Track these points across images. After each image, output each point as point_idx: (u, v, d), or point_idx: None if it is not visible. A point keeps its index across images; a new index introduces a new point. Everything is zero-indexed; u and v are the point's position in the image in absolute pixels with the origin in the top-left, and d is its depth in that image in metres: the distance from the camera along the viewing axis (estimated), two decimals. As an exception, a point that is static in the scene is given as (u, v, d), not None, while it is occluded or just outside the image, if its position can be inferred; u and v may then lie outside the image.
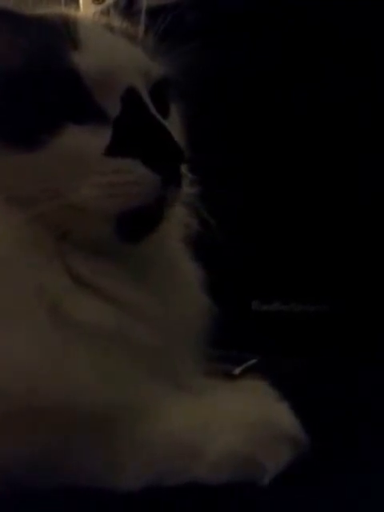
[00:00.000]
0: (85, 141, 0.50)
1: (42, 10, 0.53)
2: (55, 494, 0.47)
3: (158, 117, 0.51)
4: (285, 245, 0.82)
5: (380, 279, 0.80)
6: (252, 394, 0.53)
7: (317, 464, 0.50)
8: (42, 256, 0.50)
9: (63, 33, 0.50)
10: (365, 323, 0.80)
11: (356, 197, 0.81)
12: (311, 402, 0.57)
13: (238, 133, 0.82)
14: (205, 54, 0.62)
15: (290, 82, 0.82)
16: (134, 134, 0.50)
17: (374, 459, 0.51)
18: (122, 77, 0.51)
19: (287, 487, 0.47)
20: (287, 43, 0.82)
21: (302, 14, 0.82)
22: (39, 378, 0.46)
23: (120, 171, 0.50)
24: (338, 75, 0.82)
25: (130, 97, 0.51)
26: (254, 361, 0.74)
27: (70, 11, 0.54)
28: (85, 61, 0.50)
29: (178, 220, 0.58)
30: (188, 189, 0.55)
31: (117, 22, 0.55)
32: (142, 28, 0.54)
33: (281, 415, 0.50)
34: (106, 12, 0.55)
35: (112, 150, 0.50)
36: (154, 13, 0.55)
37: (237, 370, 0.71)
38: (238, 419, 0.50)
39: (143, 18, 0.54)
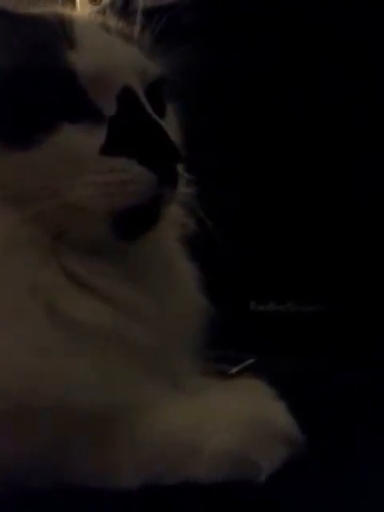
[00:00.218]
0: (80, 140, 0.50)
1: (37, 9, 0.53)
2: (53, 493, 0.47)
3: (154, 116, 0.51)
4: (282, 245, 0.82)
5: (376, 280, 0.80)
6: (248, 393, 0.53)
7: (313, 463, 0.50)
8: (37, 255, 0.50)
9: (59, 32, 0.50)
10: (361, 323, 0.80)
11: (353, 198, 0.81)
12: (308, 402, 0.57)
13: (234, 133, 0.82)
14: (202, 54, 0.62)
15: (287, 83, 0.82)
16: (130, 133, 0.50)
17: (371, 459, 0.51)
18: (117, 76, 0.51)
19: (283, 486, 0.47)
20: (284, 44, 0.82)
21: (299, 15, 0.82)
22: (35, 378, 0.46)
23: (115, 170, 0.50)
24: (335, 76, 0.82)
25: (126, 96, 0.51)
26: (250, 361, 0.74)
27: (65, 10, 0.54)
28: (81, 60, 0.50)
29: (175, 220, 0.58)
30: (184, 189, 0.55)
31: (113, 21, 0.55)
32: (138, 28, 0.54)
33: (276, 414, 0.50)
34: (102, 12, 0.55)
35: (107, 149, 0.50)
36: (150, 13, 0.55)
37: (234, 370, 0.71)
38: (234, 418, 0.50)
39: (139, 18, 0.54)
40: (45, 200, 0.49)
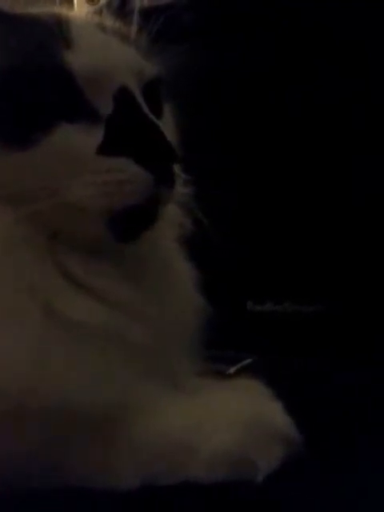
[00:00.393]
0: (77, 140, 0.50)
1: (34, 10, 0.53)
2: (52, 494, 0.47)
3: (151, 116, 0.51)
4: (279, 245, 0.82)
5: (374, 279, 0.80)
6: (246, 393, 0.53)
7: (312, 463, 0.50)
8: (34, 255, 0.50)
9: (55, 32, 0.50)
10: (359, 323, 0.80)
11: (350, 197, 0.81)
12: (306, 402, 0.57)
13: (232, 133, 0.83)
14: (199, 54, 0.62)
15: (284, 83, 0.83)
16: (127, 133, 0.50)
17: (371, 459, 0.52)
18: (114, 76, 0.51)
19: (282, 486, 0.47)
20: (281, 44, 0.83)
21: (296, 15, 0.82)
22: (33, 378, 0.46)
23: (113, 170, 0.50)
24: (332, 76, 0.82)
25: (123, 96, 0.51)
26: (248, 361, 0.74)
27: (62, 10, 0.54)
28: (77, 60, 0.50)
29: (172, 220, 0.58)
30: (182, 189, 0.55)
31: (109, 21, 0.55)
32: (134, 28, 0.54)
33: (274, 414, 0.51)
34: (98, 12, 0.55)
35: (104, 149, 0.50)
36: (147, 13, 0.55)
37: (231, 370, 0.71)
38: (232, 418, 0.50)
39: (136, 18, 0.54)
40: (42, 200, 0.49)
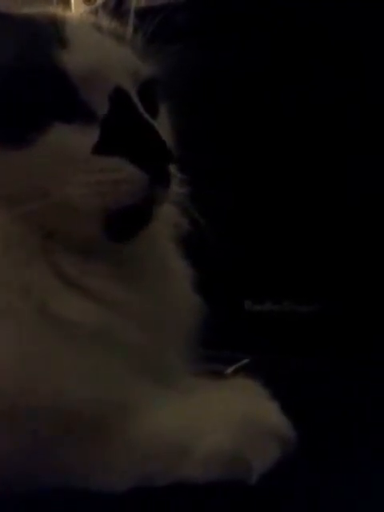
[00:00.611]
0: (73, 139, 0.50)
1: (29, 10, 0.53)
2: (45, 494, 0.47)
3: (146, 116, 0.51)
4: (277, 245, 0.82)
5: (372, 279, 0.80)
6: (241, 392, 0.53)
7: (309, 464, 0.50)
8: (28, 255, 0.50)
9: (51, 32, 0.50)
10: (358, 323, 0.80)
11: (346, 197, 0.81)
12: (304, 402, 0.57)
13: (227, 133, 0.82)
14: (194, 54, 0.63)
15: (280, 83, 0.83)
16: (122, 132, 0.50)
17: (367, 459, 0.52)
18: (109, 76, 0.51)
19: (277, 485, 0.48)
20: (276, 44, 0.82)
21: (291, 15, 0.82)
22: (27, 378, 0.46)
23: (108, 170, 0.50)
24: (328, 77, 0.82)
25: (118, 96, 0.51)
26: (246, 361, 0.74)
27: (57, 10, 0.54)
28: (73, 60, 0.50)
29: (168, 219, 0.58)
30: (177, 188, 0.55)
31: (105, 21, 0.55)
32: (130, 28, 0.54)
33: (269, 414, 0.51)
34: (94, 12, 0.55)
35: (100, 149, 0.50)
36: (142, 14, 0.55)
37: (229, 370, 0.71)
38: (227, 418, 0.50)
39: (132, 18, 0.54)
40: (37, 199, 0.49)
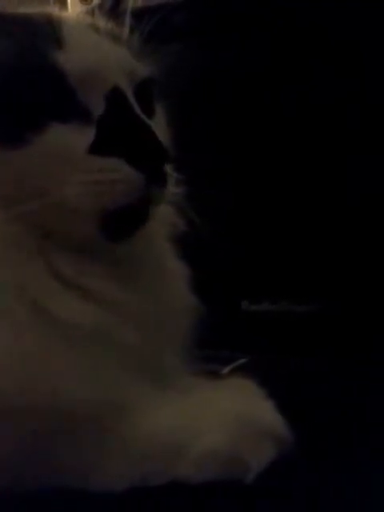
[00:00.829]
0: (69, 139, 0.50)
1: (25, 10, 0.53)
2: (41, 495, 0.47)
3: (142, 116, 0.51)
4: (274, 245, 0.82)
5: (370, 279, 0.80)
6: (237, 392, 0.53)
7: (307, 464, 0.50)
8: (24, 255, 0.50)
9: (47, 32, 0.50)
10: (355, 323, 0.80)
11: (345, 197, 0.81)
12: (302, 402, 0.57)
13: (227, 133, 0.83)
14: (194, 54, 0.63)
15: (279, 83, 0.83)
16: (118, 132, 0.50)
17: (365, 459, 0.52)
18: (106, 76, 0.51)
19: (275, 485, 0.48)
20: (276, 44, 0.82)
21: (291, 15, 0.82)
22: (21, 378, 0.46)
23: (104, 170, 0.50)
24: (327, 76, 0.82)
25: (114, 96, 0.51)
26: (242, 360, 0.74)
27: (53, 11, 0.55)
28: (69, 60, 0.50)
29: (165, 219, 0.58)
30: (173, 188, 0.55)
31: (102, 22, 0.55)
32: (126, 29, 0.54)
33: (265, 413, 0.51)
34: (90, 12, 0.56)
35: (96, 149, 0.50)
36: (139, 14, 0.55)
37: (225, 370, 0.71)
38: (223, 418, 0.50)
39: (128, 18, 0.54)
40: (34, 199, 0.49)
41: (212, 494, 0.47)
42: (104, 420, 0.48)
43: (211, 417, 0.50)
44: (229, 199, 0.72)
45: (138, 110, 0.51)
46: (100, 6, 0.56)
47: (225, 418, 0.50)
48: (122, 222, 0.52)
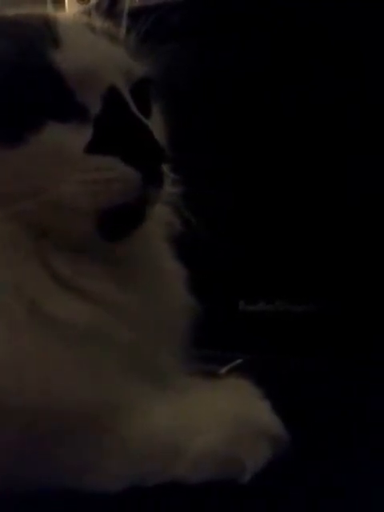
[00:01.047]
0: (66, 138, 0.50)
1: (22, 10, 0.53)
2: (39, 495, 0.47)
3: (139, 115, 0.51)
4: (272, 245, 0.82)
5: (368, 279, 0.80)
6: (234, 392, 0.53)
7: (305, 464, 0.50)
8: (21, 254, 0.50)
9: (44, 32, 0.50)
10: (353, 323, 0.80)
11: (344, 197, 0.81)
12: (300, 402, 0.57)
13: (226, 133, 0.82)
14: (192, 54, 0.63)
15: (279, 83, 0.82)
16: (115, 131, 0.50)
17: (365, 459, 0.52)
18: (103, 75, 0.51)
19: (274, 485, 0.48)
20: (276, 44, 0.82)
21: (291, 15, 0.82)
22: (19, 378, 0.46)
23: (101, 169, 0.50)
24: (327, 77, 0.82)
25: (111, 95, 0.51)
26: (240, 361, 0.74)
27: (50, 11, 0.55)
28: (66, 59, 0.50)
29: (162, 219, 0.58)
30: (170, 188, 0.55)
31: (98, 22, 0.55)
32: (123, 29, 0.54)
33: (261, 413, 0.51)
34: (87, 12, 0.56)
35: (93, 148, 0.50)
36: (136, 14, 0.55)
37: (222, 370, 0.71)
38: (219, 418, 0.50)
39: (125, 18, 0.54)
40: (30, 198, 0.49)
41: (208, 494, 0.47)
42: (101, 420, 0.48)
43: (208, 417, 0.50)
44: (226, 199, 0.72)
45: (134, 109, 0.51)
46: (97, 6, 0.56)
47: (222, 418, 0.50)
48: (119, 221, 0.52)
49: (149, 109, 0.55)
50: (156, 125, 0.55)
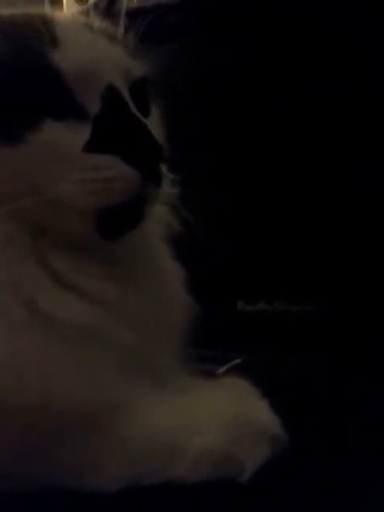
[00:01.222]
0: (65, 137, 0.50)
1: (19, 10, 0.54)
2: (37, 495, 0.47)
3: (137, 114, 0.51)
4: (270, 245, 0.82)
5: (366, 279, 0.80)
6: (232, 392, 0.53)
7: (302, 464, 0.50)
8: (18, 253, 0.50)
9: (42, 31, 0.50)
10: (350, 323, 0.80)
11: (340, 198, 0.81)
12: (297, 402, 0.57)
13: (223, 134, 0.82)
14: (189, 55, 0.63)
15: (275, 84, 0.82)
16: (114, 130, 0.50)
17: (362, 459, 0.52)
18: (101, 74, 0.51)
19: (272, 485, 0.48)
20: (272, 45, 0.82)
21: (287, 17, 0.82)
22: (17, 378, 0.46)
23: (100, 167, 0.50)
24: (323, 78, 0.82)
25: (110, 94, 0.51)
26: (238, 361, 0.74)
27: (47, 10, 0.55)
28: (64, 58, 0.50)
29: (160, 219, 0.58)
30: (169, 189, 0.55)
31: (96, 21, 0.55)
32: (121, 28, 0.54)
33: (260, 413, 0.51)
34: (85, 12, 0.56)
35: (91, 147, 0.50)
36: (134, 14, 0.56)
37: (221, 370, 0.71)
38: (218, 417, 0.50)
39: (123, 18, 0.54)
40: (29, 197, 0.49)
41: (207, 493, 0.47)
42: (100, 420, 0.48)
43: (207, 416, 0.50)
44: (224, 200, 0.72)
45: (133, 108, 0.51)
46: (95, 6, 0.56)
47: (220, 417, 0.50)
48: (118, 220, 0.52)
49: (147, 108, 0.55)
50: (155, 124, 0.55)
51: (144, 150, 0.50)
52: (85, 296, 0.51)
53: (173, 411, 0.50)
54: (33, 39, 0.50)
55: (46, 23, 0.51)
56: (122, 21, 0.54)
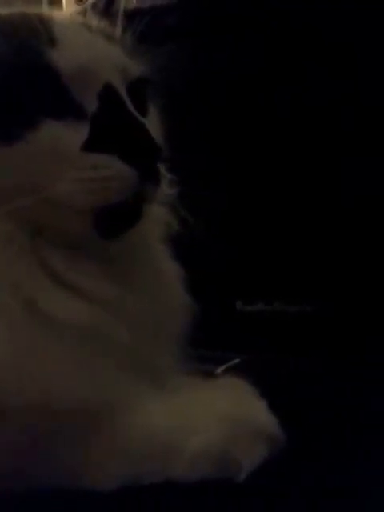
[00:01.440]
0: (62, 136, 0.50)
1: (18, 10, 0.54)
2: (35, 495, 0.47)
3: (135, 113, 0.51)
4: (269, 245, 0.82)
5: (365, 280, 0.80)
6: (230, 391, 0.53)
7: (300, 464, 0.50)
8: (17, 252, 0.50)
9: (40, 31, 0.50)
10: (349, 324, 0.80)
11: (339, 198, 0.81)
12: (296, 402, 0.57)
13: (220, 135, 0.82)
14: (187, 55, 0.63)
15: (273, 84, 0.82)
16: (112, 129, 0.50)
17: (359, 459, 0.52)
18: (99, 73, 0.51)
19: (269, 485, 0.48)
20: (270, 46, 0.82)
21: (285, 17, 0.82)
22: (16, 377, 0.46)
23: (98, 166, 0.50)
24: (321, 78, 0.82)
25: (108, 93, 0.51)
26: (236, 361, 0.74)
27: (45, 10, 0.55)
28: (62, 58, 0.50)
29: (159, 219, 0.59)
30: (167, 189, 0.55)
31: (94, 21, 0.55)
32: (119, 28, 0.55)
33: (257, 413, 0.51)
34: (83, 12, 0.56)
35: (89, 146, 0.50)
36: (132, 14, 0.56)
37: (219, 370, 0.71)
38: (215, 417, 0.50)
39: (120, 18, 0.54)
40: (27, 196, 0.49)
41: (204, 493, 0.47)
42: (97, 419, 0.48)
43: (205, 416, 0.50)
44: (222, 200, 0.72)
45: (131, 107, 0.51)
46: (93, 6, 0.56)
47: (218, 417, 0.50)
48: (116, 219, 0.52)
49: (145, 108, 0.55)
50: (153, 124, 0.55)
51: (142, 149, 0.50)
52: (83, 295, 0.51)
53: (171, 411, 0.50)
54: (31, 38, 0.50)
55: (44, 23, 0.51)
56: (120, 21, 0.54)
